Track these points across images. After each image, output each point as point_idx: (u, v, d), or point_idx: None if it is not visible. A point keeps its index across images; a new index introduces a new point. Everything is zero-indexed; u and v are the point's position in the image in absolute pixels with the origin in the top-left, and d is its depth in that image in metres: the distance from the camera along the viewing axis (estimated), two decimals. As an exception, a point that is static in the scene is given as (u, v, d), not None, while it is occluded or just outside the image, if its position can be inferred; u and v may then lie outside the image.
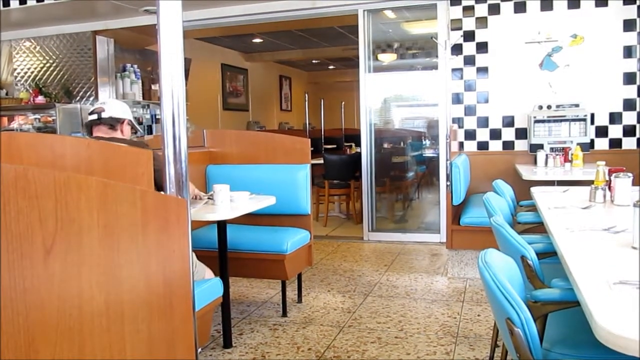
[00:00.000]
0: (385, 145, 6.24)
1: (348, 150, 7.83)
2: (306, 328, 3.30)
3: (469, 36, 5.17)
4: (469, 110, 5.25)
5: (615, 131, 4.90)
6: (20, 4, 5.58)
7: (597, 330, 1.13)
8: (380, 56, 6.04)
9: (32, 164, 1.82)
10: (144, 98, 6.98)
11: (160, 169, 1.31)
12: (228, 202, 2.90)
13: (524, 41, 5.02)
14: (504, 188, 3.30)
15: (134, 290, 1.18)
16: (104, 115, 2.88)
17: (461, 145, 5.28)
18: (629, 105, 4.85)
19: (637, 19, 4.75)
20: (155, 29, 1.25)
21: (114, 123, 2.89)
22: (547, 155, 4.58)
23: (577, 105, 4.91)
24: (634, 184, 2.63)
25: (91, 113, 2.93)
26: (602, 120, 4.91)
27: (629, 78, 4.82)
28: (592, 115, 4.88)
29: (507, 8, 5.06)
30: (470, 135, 5.26)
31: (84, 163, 1.83)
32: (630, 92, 4.83)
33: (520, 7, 5.02)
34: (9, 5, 5.62)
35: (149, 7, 5.56)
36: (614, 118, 4.89)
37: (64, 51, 6.50)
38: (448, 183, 4.23)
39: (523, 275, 1.90)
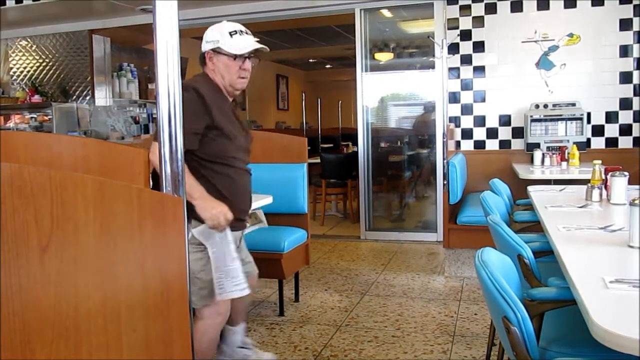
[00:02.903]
0: (382, 145, 6.24)
1: (345, 149, 7.83)
2: (303, 327, 3.30)
3: (465, 35, 5.17)
4: (466, 110, 5.25)
5: (612, 130, 4.91)
6: (16, 2, 5.56)
7: (594, 329, 1.13)
8: (377, 55, 6.04)
9: (28, 163, 1.81)
10: (140, 97, 6.97)
11: None
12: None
13: (521, 40, 5.02)
14: (501, 187, 3.31)
15: (131, 289, 1.18)
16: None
17: (458, 144, 5.28)
18: (625, 104, 4.86)
19: (634, 18, 4.76)
20: (152, 28, 1.24)
21: (200, 61, 2.38)
22: (543, 154, 4.58)
23: (573, 105, 4.91)
24: (630, 182, 2.64)
25: None
26: (599, 119, 4.92)
27: (626, 77, 4.83)
28: (589, 114, 4.89)
29: (503, 7, 5.07)
30: (467, 134, 5.27)
31: (81, 162, 1.82)
32: (627, 91, 4.84)
33: (516, 7, 5.03)
34: (4, 4, 5.60)
35: (145, 6, 5.55)
36: (611, 117, 4.90)
37: (61, 50, 6.48)
38: (445, 182, 4.24)
39: (520, 274, 1.91)
